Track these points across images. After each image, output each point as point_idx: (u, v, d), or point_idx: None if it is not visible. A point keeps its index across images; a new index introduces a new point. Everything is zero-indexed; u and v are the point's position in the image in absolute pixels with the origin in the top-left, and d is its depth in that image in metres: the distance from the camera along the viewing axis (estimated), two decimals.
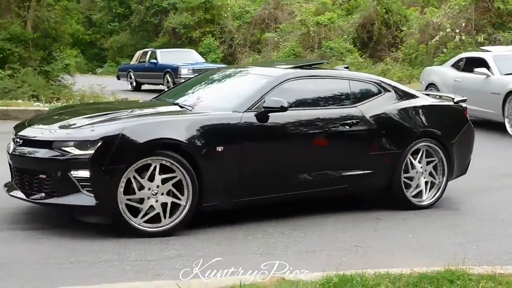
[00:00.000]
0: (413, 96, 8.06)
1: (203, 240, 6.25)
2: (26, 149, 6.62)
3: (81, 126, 6.68)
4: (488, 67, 12.86)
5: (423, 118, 7.74)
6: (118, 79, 27.80)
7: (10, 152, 6.82)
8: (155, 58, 25.19)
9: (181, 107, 7.46)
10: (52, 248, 5.85)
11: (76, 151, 6.20)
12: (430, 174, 7.59)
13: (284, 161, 7.13)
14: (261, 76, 7.58)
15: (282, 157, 7.13)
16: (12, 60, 19.31)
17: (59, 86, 20.05)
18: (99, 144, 6.18)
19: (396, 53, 28.74)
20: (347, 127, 7.23)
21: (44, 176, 6.47)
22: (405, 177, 7.44)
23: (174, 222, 6.34)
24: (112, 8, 39.36)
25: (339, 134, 7.27)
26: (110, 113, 7.29)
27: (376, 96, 7.61)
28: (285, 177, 7.17)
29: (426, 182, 7.53)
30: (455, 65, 14.50)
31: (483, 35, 25.39)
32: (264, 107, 6.74)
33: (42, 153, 6.42)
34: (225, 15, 32.96)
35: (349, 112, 7.32)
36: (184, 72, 22.71)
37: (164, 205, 6.33)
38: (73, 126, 6.73)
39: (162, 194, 6.31)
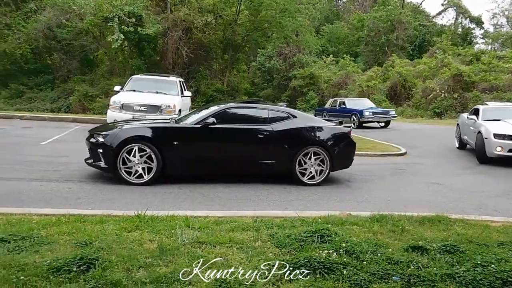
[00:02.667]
0: (312, 121, 7.75)
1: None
2: (89, 139, 6.98)
3: (110, 128, 7.12)
4: (478, 115, 11.50)
5: (313, 134, 7.42)
6: (315, 116, 21.29)
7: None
8: (344, 104, 21.35)
9: (175, 121, 7.52)
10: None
11: (101, 139, 6.68)
12: (319, 165, 7.29)
13: (218, 151, 7.08)
14: (214, 106, 7.63)
15: (216, 149, 7.07)
16: (215, 100, 22.02)
17: None
18: (107, 136, 6.64)
19: (409, 102, 29.85)
20: (261, 136, 7.10)
21: (90, 151, 6.96)
22: (300, 169, 7.23)
23: (149, 178, 6.64)
24: (265, 76, 40.95)
25: (256, 139, 7.13)
26: (129, 122, 7.65)
27: (284, 120, 7.34)
28: (216, 160, 7.07)
29: (316, 170, 7.29)
30: (470, 113, 12.59)
31: (456, 94, 26.89)
32: (204, 122, 6.92)
33: (91, 140, 6.88)
34: (320, 80, 34.80)
35: (264, 127, 7.17)
36: (367, 114, 19.51)
37: (143, 169, 6.62)
38: (106, 128, 7.24)
39: (142, 162, 6.61)
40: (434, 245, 4.12)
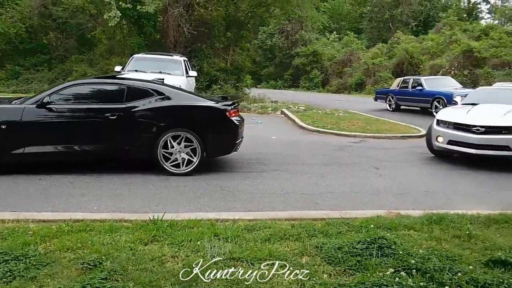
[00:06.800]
0: (184, 99, 6.60)
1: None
2: None
3: None
4: None
5: (180, 115, 6.45)
6: (375, 100, 19.40)
7: None
8: (421, 85, 16.20)
9: (20, 101, 6.43)
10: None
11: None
12: (187, 153, 6.34)
13: (60, 134, 6.11)
14: (62, 84, 6.72)
15: (58, 132, 6.10)
16: (218, 81, 21.14)
17: (242, 92, 21.27)
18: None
19: None
20: (112, 117, 6.10)
21: None
22: (164, 152, 6.29)
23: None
24: (266, 54, 41.31)
25: (106, 120, 6.13)
26: None
27: (147, 98, 6.33)
28: (59, 145, 6.13)
29: (184, 159, 6.32)
30: None
31: (466, 71, 25.85)
32: (41, 102, 6.00)
33: None
34: (324, 58, 34.13)
35: (117, 107, 6.19)
36: (458, 99, 13.75)
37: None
38: None
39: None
40: None
